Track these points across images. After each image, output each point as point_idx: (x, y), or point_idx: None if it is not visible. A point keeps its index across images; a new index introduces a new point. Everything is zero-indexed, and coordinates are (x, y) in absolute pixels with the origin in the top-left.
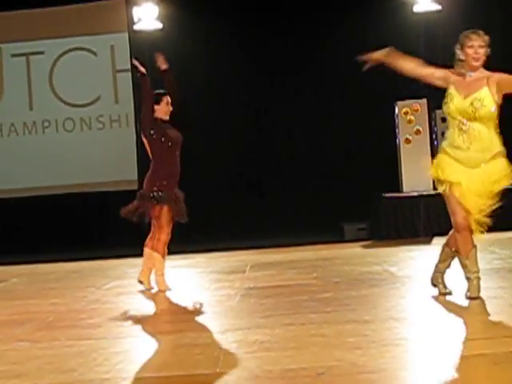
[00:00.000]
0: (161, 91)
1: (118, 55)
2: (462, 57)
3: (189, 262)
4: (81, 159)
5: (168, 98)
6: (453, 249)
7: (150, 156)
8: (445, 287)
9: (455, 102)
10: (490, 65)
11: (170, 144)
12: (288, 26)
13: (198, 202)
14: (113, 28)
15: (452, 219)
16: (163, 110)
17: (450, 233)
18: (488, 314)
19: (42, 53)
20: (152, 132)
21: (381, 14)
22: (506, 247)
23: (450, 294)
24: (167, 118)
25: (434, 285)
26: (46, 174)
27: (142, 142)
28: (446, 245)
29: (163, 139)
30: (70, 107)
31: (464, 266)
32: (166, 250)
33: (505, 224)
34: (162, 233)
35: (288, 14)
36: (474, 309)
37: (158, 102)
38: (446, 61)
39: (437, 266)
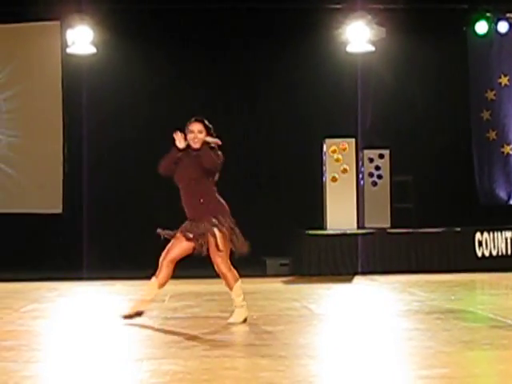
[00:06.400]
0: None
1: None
2: None
3: (108, 288)
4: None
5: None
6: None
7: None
8: None
9: None
10: (426, 103)
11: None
12: (226, 57)
13: (125, 229)
14: (46, 50)
15: None
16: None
17: None
18: (402, 355)
19: None
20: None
21: (315, 53)
22: (425, 289)
23: None
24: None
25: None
26: None
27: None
28: None
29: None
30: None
31: None
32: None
33: (424, 266)
34: None
35: (226, 44)
36: (388, 349)
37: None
38: (377, 100)
39: None
